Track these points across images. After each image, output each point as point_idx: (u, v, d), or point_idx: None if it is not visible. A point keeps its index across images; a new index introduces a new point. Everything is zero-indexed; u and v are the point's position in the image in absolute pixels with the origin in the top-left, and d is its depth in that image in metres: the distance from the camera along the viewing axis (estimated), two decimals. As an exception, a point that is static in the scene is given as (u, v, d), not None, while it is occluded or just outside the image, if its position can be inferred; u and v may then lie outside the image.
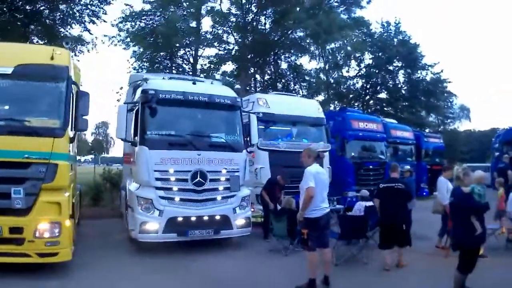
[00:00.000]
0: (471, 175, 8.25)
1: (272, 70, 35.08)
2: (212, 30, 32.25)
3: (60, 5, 24.67)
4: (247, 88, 30.46)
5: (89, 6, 25.13)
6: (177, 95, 11.41)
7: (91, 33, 26.01)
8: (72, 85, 9.24)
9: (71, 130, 9.09)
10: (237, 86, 28.30)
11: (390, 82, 42.88)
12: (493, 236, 11.74)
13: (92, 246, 11.47)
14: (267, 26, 32.90)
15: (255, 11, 31.83)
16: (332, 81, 38.57)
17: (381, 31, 41.88)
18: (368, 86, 42.80)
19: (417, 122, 39.89)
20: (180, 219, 10.87)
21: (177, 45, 29.49)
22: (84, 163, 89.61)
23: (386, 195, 10.10)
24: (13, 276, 8.15)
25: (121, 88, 23.55)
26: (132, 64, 30.36)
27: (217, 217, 11.31)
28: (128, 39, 29.56)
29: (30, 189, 8.30)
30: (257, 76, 34.72)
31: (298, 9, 28.97)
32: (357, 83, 42.69)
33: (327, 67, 37.52)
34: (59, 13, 25.14)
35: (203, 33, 31.51)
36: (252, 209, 13.34)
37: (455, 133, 58.07)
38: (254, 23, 32.13)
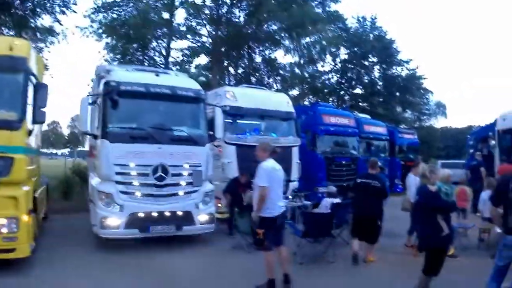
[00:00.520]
0: (437, 173, 7.93)
1: (246, 63, 34.65)
2: (186, 22, 31.78)
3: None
4: (220, 81, 30.13)
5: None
6: (139, 87, 11.08)
7: (61, 24, 25.81)
8: (31, 77, 8.89)
9: (31, 122, 8.77)
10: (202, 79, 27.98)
11: (365, 78, 42.90)
12: (466, 235, 11.63)
13: (56, 242, 11.18)
14: (242, 19, 32.49)
15: (229, 3, 31.37)
16: (307, 75, 38.31)
17: (357, 26, 41.87)
18: (343, 81, 42.74)
19: (392, 118, 39.86)
20: (141, 214, 10.57)
21: (149, 37, 28.97)
22: (60, 156, 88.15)
23: (362, 191, 10.17)
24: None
25: (92, 80, 23.00)
26: (103, 56, 29.96)
27: (179, 213, 11.00)
28: (100, 31, 28.96)
29: None
30: (231, 70, 34.36)
31: (272, 1, 28.53)
32: (332, 78, 42.64)
33: (302, 61, 37.27)
34: (29, 4, 24.65)
35: (176, 25, 30.98)
36: (219, 205, 13.03)
37: (431, 129, 58.36)
38: (228, 15, 31.66)
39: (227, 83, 30.88)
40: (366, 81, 42.85)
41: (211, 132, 12.02)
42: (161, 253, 10.48)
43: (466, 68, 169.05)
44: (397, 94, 42.75)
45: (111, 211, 10.40)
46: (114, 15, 29.08)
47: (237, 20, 31.75)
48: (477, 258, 10.71)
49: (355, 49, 40.74)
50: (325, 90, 42.22)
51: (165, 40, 30.80)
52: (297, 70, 36.92)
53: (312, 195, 15.79)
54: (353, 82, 43.09)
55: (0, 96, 8.72)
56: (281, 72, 36.17)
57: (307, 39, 33.29)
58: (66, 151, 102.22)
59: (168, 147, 10.91)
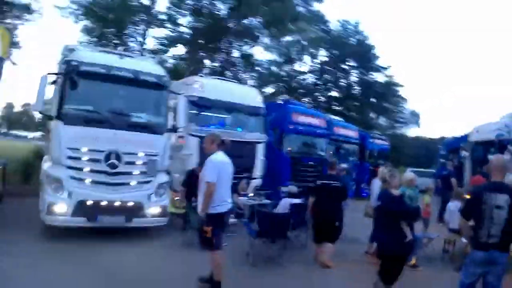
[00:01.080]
0: (398, 177, 7.63)
1: (224, 57, 34.24)
2: (167, 11, 31.25)
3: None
4: (194, 73, 29.74)
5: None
6: (100, 68, 10.57)
7: (38, 1, 25.43)
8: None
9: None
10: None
11: (342, 81, 42.87)
12: (429, 245, 11.34)
13: (7, 228, 10.68)
14: (224, 12, 32.09)
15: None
16: (284, 74, 38.12)
17: (340, 29, 41.80)
18: (320, 83, 42.62)
19: (366, 123, 39.85)
20: (90, 202, 10.09)
21: (127, 21, 28.50)
22: (33, 140, 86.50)
23: (323, 193, 10.11)
24: None
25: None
26: (79, 38, 29.34)
27: (130, 204, 10.52)
28: (79, 12, 28.52)
29: None
30: (207, 62, 33.87)
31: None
32: (309, 78, 42.51)
33: (280, 59, 37.08)
34: None
35: (155, 12, 30.47)
36: (176, 198, 12.59)
37: (404, 137, 58.67)
38: (211, 7, 31.26)
39: (201, 75, 30.48)
40: (343, 84, 42.81)
41: (174, 122, 11.61)
42: (107, 244, 10.02)
43: (441, 79, 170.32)
44: (373, 100, 42.78)
45: (59, 197, 9.93)
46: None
47: (219, 12, 31.40)
48: (440, 270, 10.48)
49: (335, 51, 40.62)
50: (301, 90, 42.02)
51: (142, 26, 30.33)
52: (274, 68, 36.73)
53: (274, 194, 15.45)
54: (330, 84, 42.97)
55: None
56: (257, 68, 35.88)
57: (288, 38, 33.13)
58: (39, 134, 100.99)
59: (124, 134, 10.46)
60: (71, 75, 10.21)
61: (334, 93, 44.16)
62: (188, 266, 8.93)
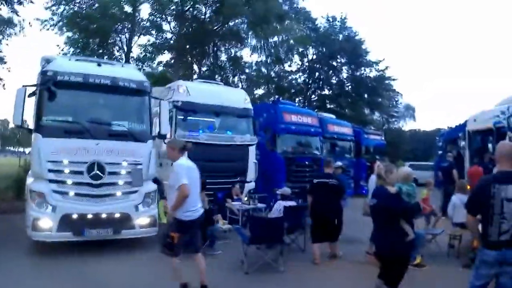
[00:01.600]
0: (394, 172, 7.10)
1: (211, 61, 33.88)
2: (150, 18, 31.03)
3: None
4: (184, 79, 29.40)
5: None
6: (76, 77, 10.23)
7: (18, 15, 25.14)
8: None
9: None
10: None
11: (333, 78, 42.57)
12: (433, 242, 10.90)
13: None
14: (207, 15, 31.74)
15: (194, -1, 30.66)
16: (273, 75, 37.81)
17: (326, 26, 41.47)
18: (310, 81, 42.31)
19: (360, 119, 39.47)
20: (75, 216, 9.73)
21: (110, 31, 28.10)
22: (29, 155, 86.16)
23: (320, 191, 10.08)
24: None
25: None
26: (62, 50, 28.93)
27: (117, 215, 10.12)
28: (61, 23, 28.24)
29: None
30: (195, 67, 33.56)
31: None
32: (299, 78, 42.23)
33: (269, 60, 36.74)
34: None
35: (138, 20, 30.16)
36: (167, 206, 12.09)
37: (399, 131, 58.44)
38: (194, 12, 30.91)
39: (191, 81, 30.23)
40: (334, 81, 42.51)
41: (159, 129, 11.25)
42: (96, 256, 9.65)
43: (435, 70, 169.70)
44: (366, 95, 42.44)
45: (43, 212, 9.60)
46: (76, 8, 28.38)
47: (202, 16, 31.07)
48: (447, 267, 9.89)
49: (323, 49, 40.32)
50: (292, 90, 41.69)
51: (126, 35, 30.06)
52: (263, 69, 36.43)
53: (269, 197, 15.00)
54: (321, 83, 42.68)
55: None
56: (246, 71, 35.56)
57: (275, 38, 32.82)
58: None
59: (106, 143, 10.09)
60: (47, 85, 9.94)
61: (326, 91, 43.83)
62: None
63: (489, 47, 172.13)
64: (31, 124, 10.46)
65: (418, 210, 7.52)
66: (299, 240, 11.01)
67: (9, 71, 26.38)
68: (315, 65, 41.14)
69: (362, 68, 42.41)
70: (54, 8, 27.73)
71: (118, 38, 30.46)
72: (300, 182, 16.66)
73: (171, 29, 31.22)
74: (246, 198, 13.66)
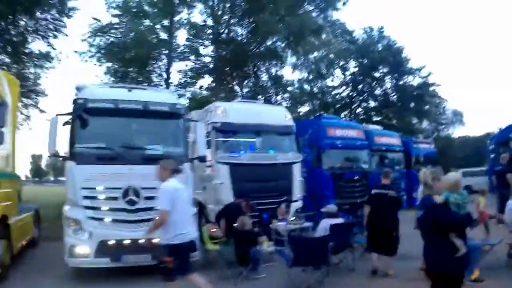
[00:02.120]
0: (442, 180, 6.42)
1: (253, 82, 33.67)
2: (188, 43, 31.18)
3: (20, 20, 24.10)
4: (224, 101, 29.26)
5: (50, 20, 24.94)
6: (107, 103, 10.22)
7: (54, 48, 25.82)
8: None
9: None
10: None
11: (377, 89, 41.89)
12: (491, 253, 9.81)
13: (35, 270, 10.78)
14: (243, 36, 31.62)
15: (230, 21, 30.54)
16: (316, 91, 37.35)
17: (364, 37, 40.90)
18: (354, 95, 41.70)
19: (408, 129, 38.48)
20: (112, 242, 9.56)
21: (147, 58, 28.31)
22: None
23: (378, 202, 9.89)
24: None
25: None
26: (102, 80, 29.14)
27: (155, 240, 9.63)
28: (99, 54, 28.63)
29: None
30: (237, 89, 33.35)
31: (267, 13, 27.55)
32: (343, 92, 41.67)
33: (310, 76, 36.32)
34: (21, 29, 24.50)
35: (175, 46, 30.18)
36: (213, 229, 11.65)
37: (449, 139, 57.02)
38: (230, 34, 30.83)
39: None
40: (378, 93, 41.81)
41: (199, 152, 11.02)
42: (133, 284, 9.44)
43: (483, 74, 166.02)
44: (411, 104, 41.49)
45: (80, 239, 9.54)
46: (112, 39, 28.73)
47: (239, 38, 30.95)
48: (509, 280, 9.07)
49: (364, 60, 39.79)
50: (337, 105, 41.12)
51: (165, 61, 30.12)
52: (306, 86, 36.06)
53: (318, 215, 14.37)
54: (366, 95, 42.01)
55: None
56: (289, 89, 35.18)
57: (314, 54, 32.41)
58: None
59: (141, 168, 9.82)
60: (78, 113, 9.98)
61: (371, 103, 43.16)
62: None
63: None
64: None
65: (469, 222, 6.69)
66: (348, 259, 10.39)
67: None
68: (358, 77, 40.61)
69: (405, 77, 41.49)
70: (91, 39, 28.18)
71: (157, 65, 30.61)
72: (349, 198, 16.27)
73: (209, 52, 31.23)
74: (293, 218, 13.08)
